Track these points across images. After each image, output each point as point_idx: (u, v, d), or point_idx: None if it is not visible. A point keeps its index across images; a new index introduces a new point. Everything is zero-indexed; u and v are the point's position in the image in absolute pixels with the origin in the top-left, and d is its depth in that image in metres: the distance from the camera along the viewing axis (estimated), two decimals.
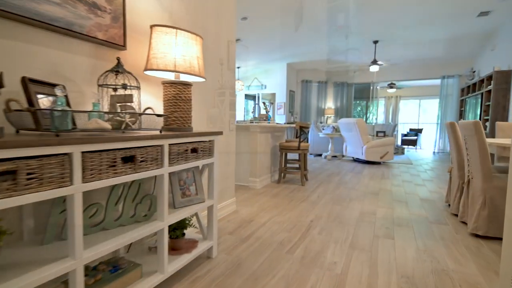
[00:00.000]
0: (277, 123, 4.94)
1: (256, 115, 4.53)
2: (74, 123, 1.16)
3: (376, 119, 9.80)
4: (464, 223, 2.30)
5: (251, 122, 4.20)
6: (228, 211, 2.55)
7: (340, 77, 9.55)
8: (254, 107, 4.81)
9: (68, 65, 1.27)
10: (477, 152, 1.96)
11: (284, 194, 3.32)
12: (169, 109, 1.37)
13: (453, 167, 2.70)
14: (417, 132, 10.19)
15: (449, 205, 2.87)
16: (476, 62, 7.23)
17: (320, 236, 2.01)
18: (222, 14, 2.40)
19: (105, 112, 1.09)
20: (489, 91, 5.65)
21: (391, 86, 9.87)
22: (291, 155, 6.69)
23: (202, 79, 1.55)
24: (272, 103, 9.10)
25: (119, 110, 1.24)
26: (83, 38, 1.31)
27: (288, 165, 5.40)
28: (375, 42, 6.85)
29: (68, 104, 1.15)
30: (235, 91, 2.65)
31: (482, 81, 6.08)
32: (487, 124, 5.55)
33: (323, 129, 6.75)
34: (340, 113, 9.56)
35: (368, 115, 10.15)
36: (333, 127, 6.51)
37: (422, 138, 10.51)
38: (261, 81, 8.94)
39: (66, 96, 1.16)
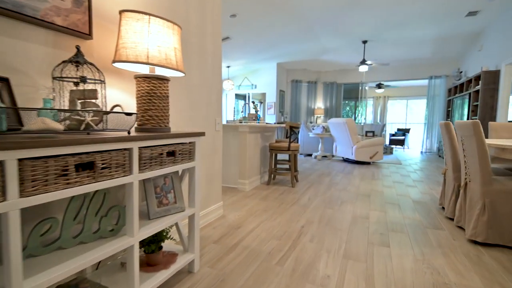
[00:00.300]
0: (267, 123, 4.80)
1: (246, 115, 4.37)
2: (21, 124, 0.97)
3: (365, 119, 9.81)
4: (461, 228, 2.21)
5: (240, 122, 4.04)
6: (214, 217, 2.38)
7: (330, 76, 9.51)
8: (244, 107, 4.64)
9: (18, 55, 1.07)
10: (476, 154, 1.87)
11: (274, 197, 3.17)
12: (142, 107, 1.19)
13: (447, 169, 2.62)
14: (404, 132, 10.28)
15: (443, 207, 2.79)
16: (463, 62, 7.31)
17: (311, 244, 1.87)
18: (206, 5, 2.23)
19: (59, 110, 0.90)
20: (477, 91, 5.69)
21: (379, 86, 9.91)
22: (282, 155, 6.56)
23: (180, 74, 1.38)
24: (261, 103, 8.96)
25: (79, 108, 1.05)
26: (37, 24, 1.11)
27: (278, 165, 5.27)
28: (364, 42, 6.81)
29: (13, 100, 0.96)
30: (221, 89, 2.48)
31: (469, 81, 6.13)
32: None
33: (313, 129, 6.66)
34: (330, 113, 9.52)
35: (356, 115, 10.17)
36: (323, 127, 6.43)
37: (410, 138, 10.62)
38: (251, 80, 8.79)
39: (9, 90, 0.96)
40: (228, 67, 7.87)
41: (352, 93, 11.51)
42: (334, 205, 2.88)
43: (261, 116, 3.95)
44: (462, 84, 6.62)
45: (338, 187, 3.75)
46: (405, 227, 2.25)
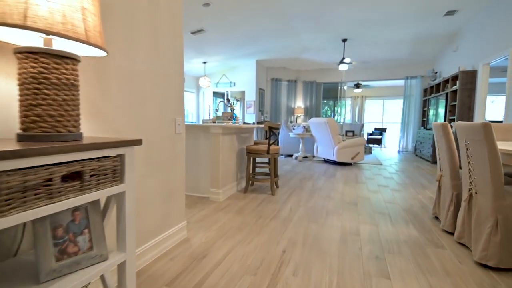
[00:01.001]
0: (244, 123, 4.40)
1: (220, 114, 3.93)
2: None
3: (344, 118, 9.71)
4: (464, 245, 1.95)
5: (213, 122, 3.60)
6: (175, 241, 1.94)
7: (309, 75, 9.28)
8: (219, 105, 4.20)
9: None
10: (487, 162, 1.59)
11: (251, 208, 2.78)
12: (26, 100, 0.74)
13: (443, 176, 2.37)
14: (381, 131, 10.33)
15: (437, 217, 2.55)
16: (438, 63, 7.35)
17: (295, 280, 1.50)
18: None
19: None
20: (454, 91, 5.65)
21: (357, 86, 9.85)
22: (261, 158, 6.20)
23: (98, 51, 0.93)
24: (238, 100, 8.54)
25: None
26: None
27: (257, 169, 4.88)
28: (344, 40, 6.61)
29: None
30: (182, 81, 2.04)
31: (446, 81, 6.11)
32: (452, 124, 5.52)
33: (293, 128, 6.35)
34: (310, 112, 9.30)
35: (335, 115, 10.07)
36: (304, 127, 6.14)
37: (386, 137, 10.70)
38: (230, 78, 8.33)
39: None
40: (205, 63, 7.37)
41: (331, 93, 11.41)
42: (319, 218, 2.54)
43: (237, 115, 3.54)
44: (438, 84, 6.62)
45: (322, 193, 3.43)
46: (402, 246, 1.95)
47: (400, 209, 2.83)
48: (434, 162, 6.00)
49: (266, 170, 4.72)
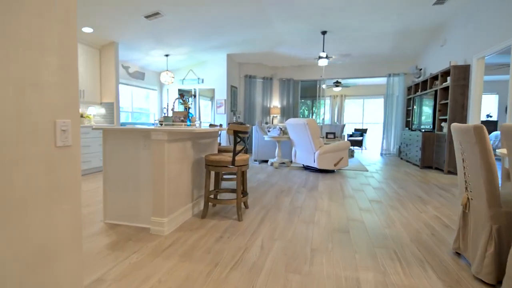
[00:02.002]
0: (211, 125, 3.56)
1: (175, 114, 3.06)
2: None
3: (323, 119, 9.14)
4: None
5: (161, 124, 2.72)
6: None
7: (286, 72, 8.60)
8: (175, 103, 3.34)
9: None
10: (480, 167, 1.00)
11: (206, 247, 1.95)
12: None
13: (472, 199, 1.66)
14: (362, 132, 9.90)
15: (458, 253, 1.86)
16: (422, 59, 6.95)
17: None
18: None
19: None
20: (445, 89, 5.17)
21: (336, 84, 9.33)
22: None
23: None
24: (193, 96, 7.67)
25: None
26: None
27: (224, 183, 4.04)
28: (324, 32, 5.97)
29: None
30: (75, 57, 1.16)
31: (434, 78, 5.64)
32: (444, 125, 5.05)
33: (268, 131, 5.60)
34: (287, 112, 8.62)
35: (313, 115, 9.49)
36: (280, 129, 5.40)
37: (367, 139, 10.29)
38: (198, 74, 7.42)
39: None
40: (167, 55, 6.41)
41: (308, 92, 10.84)
42: (301, 262, 1.77)
43: (193, 115, 2.68)
44: (424, 82, 6.16)
45: (303, 216, 2.67)
46: None
47: (407, 239, 2.13)
48: (424, 167, 5.50)
49: (235, 183, 3.90)
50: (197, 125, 2.85)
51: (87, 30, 4.62)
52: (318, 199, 3.27)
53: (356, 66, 7.99)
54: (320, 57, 6.22)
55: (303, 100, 11.23)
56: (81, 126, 4.46)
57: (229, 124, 2.37)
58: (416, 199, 3.27)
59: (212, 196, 3.04)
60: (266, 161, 6.29)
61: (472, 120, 4.50)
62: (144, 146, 2.31)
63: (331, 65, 8.19)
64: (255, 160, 6.22)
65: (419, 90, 6.27)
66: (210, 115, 8.54)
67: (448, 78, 4.87)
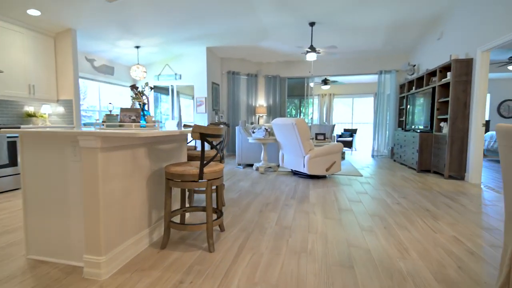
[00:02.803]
0: (185, 126, 2.94)
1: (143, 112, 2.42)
2: None
3: (312, 119, 8.65)
4: None
5: (102, 125, 2.07)
6: None
7: (272, 69, 8.04)
8: (137, 97, 2.69)
9: None
10: None
11: None
12: None
13: None
14: (352, 132, 9.49)
15: None
16: (415, 55, 6.57)
17: None
18: None
19: None
20: (444, 85, 4.75)
21: (325, 82, 8.87)
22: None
23: None
24: (151, 89, 7.01)
25: None
26: None
27: (196, 195, 3.42)
28: (312, 24, 5.44)
29: None
30: None
31: (431, 74, 5.22)
32: (443, 125, 4.62)
33: (253, 132, 5.02)
34: (273, 112, 8.07)
35: (301, 115, 8.99)
36: (266, 129, 4.82)
37: (357, 139, 9.90)
38: (175, 69, 6.74)
39: None
40: (138, 47, 5.69)
41: (295, 90, 10.34)
42: None
43: (150, 113, 2.04)
44: (420, 78, 5.75)
45: (294, 241, 2.10)
46: None
47: (430, 278, 1.59)
48: (421, 170, 5.08)
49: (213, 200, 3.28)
50: (158, 126, 2.22)
51: (33, 12, 3.87)
52: (310, 214, 2.71)
53: (346, 63, 7.54)
54: (308, 51, 5.70)
55: (290, 99, 10.72)
56: (32, 127, 3.71)
57: (194, 125, 1.75)
58: (424, 213, 2.77)
59: (178, 216, 2.42)
60: (251, 165, 5.71)
61: (476, 120, 4.08)
62: (74, 157, 1.67)
63: (319, 62, 7.71)
64: (239, 164, 5.62)
65: (414, 88, 5.86)
66: (192, 115, 7.87)
67: (448, 74, 4.45)
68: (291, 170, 5.01)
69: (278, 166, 5.41)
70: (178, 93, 8.64)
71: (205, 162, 1.90)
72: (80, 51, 5.48)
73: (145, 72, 5.78)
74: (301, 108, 10.51)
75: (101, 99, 6.21)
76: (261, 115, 7.94)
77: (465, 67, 4.22)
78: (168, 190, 1.95)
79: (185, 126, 4.02)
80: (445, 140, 4.46)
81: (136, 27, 4.85)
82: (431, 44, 5.63)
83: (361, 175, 4.73)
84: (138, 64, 5.70)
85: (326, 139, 6.15)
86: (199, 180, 1.88)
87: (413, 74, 6.32)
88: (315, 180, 4.31)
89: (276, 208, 2.90)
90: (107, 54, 5.91)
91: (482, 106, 4.05)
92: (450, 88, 4.31)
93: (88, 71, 5.64)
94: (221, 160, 2.51)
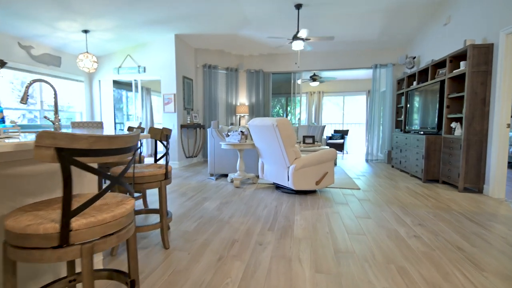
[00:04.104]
0: (129, 128, 2.00)
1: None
2: None
3: (299, 119, 7.79)
4: None
5: None
6: None
7: (255, 63, 7.13)
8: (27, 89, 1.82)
9: None
10: None
11: None
12: None
13: None
14: (343, 134, 8.70)
15: None
16: (415, 46, 5.80)
17: None
18: None
19: None
20: (456, 78, 3.95)
21: (313, 78, 8.04)
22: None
23: None
24: (129, 89, 6.02)
25: None
26: None
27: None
28: (298, 6, 4.58)
29: None
30: None
31: (438, 65, 4.43)
32: (456, 126, 3.82)
33: (227, 135, 4.08)
34: (256, 111, 7.15)
35: (289, 115, 8.12)
36: (242, 132, 3.89)
37: (348, 141, 9.12)
38: (138, 60, 5.71)
39: None
40: (86, 31, 4.64)
41: (282, 88, 9.48)
42: None
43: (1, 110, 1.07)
44: (422, 72, 4.97)
45: None
46: None
47: None
48: (428, 180, 4.29)
49: (156, 233, 2.31)
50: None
51: None
52: (293, 263, 1.79)
53: (337, 56, 6.71)
54: (294, 39, 4.81)
55: (278, 98, 9.84)
56: None
57: (40, 133, 0.75)
58: (457, 255, 1.91)
59: None
60: (227, 176, 4.77)
61: (499, 119, 3.29)
62: None
63: (307, 55, 6.85)
64: (212, 175, 4.66)
65: (415, 82, 5.07)
66: (156, 112, 6.81)
67: (462, 64, 3.65)
68: (273, 182, 4.10)
69: (257, 176, 4.50)
70: (149, 90, 7.60)
71: (76, 206, 0.94)
72: (9, 34, 4.39)
73: (96, 62, 4.73)
74: (289, 108, 9.64)
75: (42, 96, 5.11)
76: (242, 115, 7.01)
77: (484, 54, 3.42)
78: (9, 265, 0.98)
79: (129, 128, 3.05)
80: (458, 145, 3.66)
81: (78, 3, 3.82)
82: (435, 31, 4.85)
83: (358, 188, 3.87)
84: (87, 52, 4.64)
85: (316, 143, 5.28)
86: (62, 246, 0.92)
87: (413, 67, 5.54)
88: (303, 197, 3.41)
89: (245, 251, 1.97)
90: (50, 40, 4.83)
91: (507, 103, 3.26)
92: (466, 81, 3.51)
93: (23, 61, 4.56)
94: (134, 194, 1.55)
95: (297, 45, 4.87)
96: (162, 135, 2.03)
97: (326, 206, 3.04)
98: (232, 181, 4.20)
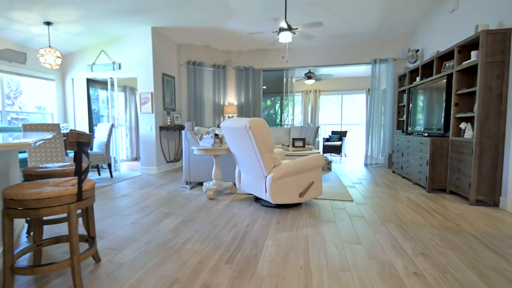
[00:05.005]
0: (71, 131, 1.49)
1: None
2: None
3: (292, 120, 7.24)
4: None
5: None
6: None
7: (244, 59, 6.61)
8: None
9: None
10: None
11: None
12: None
13: None
14: (341, 135, 8.13)
15: None
16: (416, 38, 5.23)
17: None
18: None
19: None
20: (465, 71, 3.39)
21: (308, 76, 7.49)
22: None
23: None
24: (106, 88, 5.55)
25: None
26: None
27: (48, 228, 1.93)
28: None
29: None
30: None
31: (443, 58, 3.87)
32: (465, 127, 3.26)
33: (201, 138, 3.57)
34: (245, 111, 6.63)
35: (282, 115, 7.58)
36: (216, 135, 3.37)
37: (347, 143, 8.54)
38: (113, 56, 5.23)
39: None
40: (48, 24, 4.17)
41: (274, 86, 8.93)
42: None
43: None
44: (427, 65, 4.40)
45: None
46: None
47: None
48: (433, 190, 3.72)
49: (65, 253, 1.78)
50: None
51: None
52: None
53: (332, 51, 6.16)
54: (281, 29, 4.29)
55: (270, 97, 9.31)
56: None
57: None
58: None
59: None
60: (202, 184, 4.24)
61: None
62: None
63: (300, 50, 6.31)
64: (187, 183, 4.15)
65: (418, 78, 4.50)
66: (129, 113, 6.30)
67: (473, 54, 3.09)
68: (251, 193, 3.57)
69: (234, 184, 3.96)
70: (134, 89, 7.13)
71: None
72: None
73: (60, 57, 4.25)
74: (282, 108, 9.10)
75: (3, 95, 4.65)
76: (230, 115, 6.50)
77: (500, 42, 2.86)
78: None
79: (71, 132, 2.53)
80: (469, 149, 3.09)
81: None
82: (441, 19, 4.28)
83: (352, 200, 3.32)
84: (49, 46, 4.16)
85: (307, 146, 4.74)
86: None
87: (415, 61, 4.97)
88: (283, 212, 2.87)
89: None
90: (10, 34, 4.36)
91: None
92: (478, 74, 2.94)
93: None
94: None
95: (285, 37, 4.35)
96: (69, 144, 1.51)
97: (308, 225, 2.50)
98: (206, 191, 3.68)
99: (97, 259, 1.83)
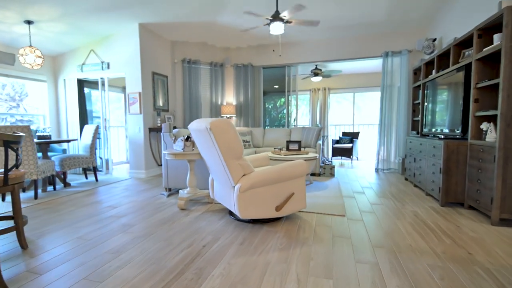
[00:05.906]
0: (9, 134, 1.18)
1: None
2: None
3: (296, 120, 6.73)
4: None
5: None
6: None
7: (243, 56, 6.22)
8: None
9: None
10: None
11: None
12: None
13: None
14: (352, 137, 7.49)
15: None
16: (433, 26, 4.56)
17: None
18: None
19: None
20: (486, 59, 2.77)
21: (315, 73, 6.94)
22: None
23: None
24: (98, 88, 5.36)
25: None
26: None
27: None
28: None
29: None
30: None
31: (461, 45, 3.24)
32: (487, 127, 2.63)
33: (174, 141, 3.23)
34: (245, 112, 6.24)
35: (285, 115, 7.08)
36: (188, 138, 3.01)
37: (359, 145, 7.87)
38: (102, 56, 5.07)
39: None
40: (29, 22, 4.03)
41: (276, 84, 8.45)
42: None
43: None
44: (443, 55, 3.77)
45: None
46: None
47: None
48: (448, 203, 3.10)
49: None
50: None
51: None
52: None
53: (339, 44, 5.60)
54: (272, 20, 3.85)
55: (272, 96, 8.84)
56: None
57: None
58: None
59: None
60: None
61: None
62: None
63: (303, 45, 5.81)
64: (167, 190, 3.82)
65: (434, 71, 3.87)
66: (121, 114, 6.13)
67: (496, 37, 2.48)
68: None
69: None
70: (124, 88, 6.99)
71: None
72: None
73: (41, 57, 4.10)
74: (289, 108, 8.60)
75: None
76: (228, 116, 6.13)
77: None
78: None
79: (41, 138, 2.29)
80: (491, 155, 2.48)
81: None
82: (458, 4, 3.63)
83: (343, 215, 2.80)
84: (30, 46, 4.03)
85: (304, 150, 4.24)
86: None
87: (432, 52, 4.32)
88: (255, 229, 2.44)
89: None
90: None
91: None
92: (502, 61, 2.34)
93: None
94: None
95: (276, 28, 3.90)
96: None
97: (276, 248, 2.05)
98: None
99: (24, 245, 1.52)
